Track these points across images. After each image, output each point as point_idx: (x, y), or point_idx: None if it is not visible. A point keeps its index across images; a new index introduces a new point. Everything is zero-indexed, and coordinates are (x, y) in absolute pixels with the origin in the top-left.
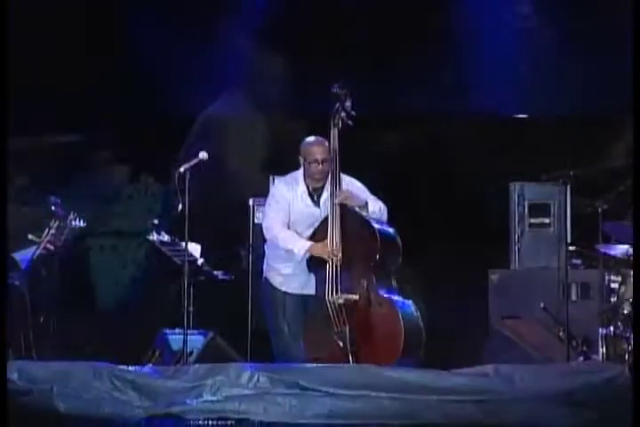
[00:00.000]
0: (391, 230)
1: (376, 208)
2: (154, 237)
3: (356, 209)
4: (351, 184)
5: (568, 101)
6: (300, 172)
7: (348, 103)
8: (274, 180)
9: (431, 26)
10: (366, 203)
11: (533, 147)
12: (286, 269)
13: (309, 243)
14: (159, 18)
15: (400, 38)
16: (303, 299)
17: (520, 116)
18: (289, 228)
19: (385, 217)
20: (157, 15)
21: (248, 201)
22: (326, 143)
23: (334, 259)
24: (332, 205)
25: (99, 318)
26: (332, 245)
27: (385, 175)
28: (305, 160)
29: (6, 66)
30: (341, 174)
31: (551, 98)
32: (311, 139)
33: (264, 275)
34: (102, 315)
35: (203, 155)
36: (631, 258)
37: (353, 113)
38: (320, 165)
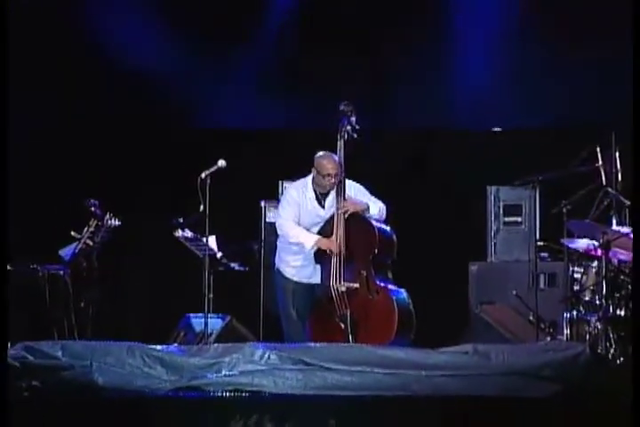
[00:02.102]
0: (388, 228)
1: (376, 210)
2: (179, 233)
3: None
4: (353, 187)
5: (537, 117)
6: (310, 178)
7: (352, 118)
8: (283, 185)
9: (418, 49)
10: (368, 207)
11: (507, 156)
12: (296, 262)
13: (317, 237)
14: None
15: (394, 61)
16: (310, 287)
17: (496, 129)
18: (298, 225)
19: (384, 215)
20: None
21: (260, 203)
22: (336, 158)
23: (337, 252)
24: (339, 202)
25: (132, 303)
26: (336, 241)
27: (381, 180)
28: (317, 173)
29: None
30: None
31: (522, 114)
32: (324, 154)
33: (276, 266)
34: (134, 301)
35: (221, 163)
36: (592, 251)
37: (357, 127)
38: (332, 179)
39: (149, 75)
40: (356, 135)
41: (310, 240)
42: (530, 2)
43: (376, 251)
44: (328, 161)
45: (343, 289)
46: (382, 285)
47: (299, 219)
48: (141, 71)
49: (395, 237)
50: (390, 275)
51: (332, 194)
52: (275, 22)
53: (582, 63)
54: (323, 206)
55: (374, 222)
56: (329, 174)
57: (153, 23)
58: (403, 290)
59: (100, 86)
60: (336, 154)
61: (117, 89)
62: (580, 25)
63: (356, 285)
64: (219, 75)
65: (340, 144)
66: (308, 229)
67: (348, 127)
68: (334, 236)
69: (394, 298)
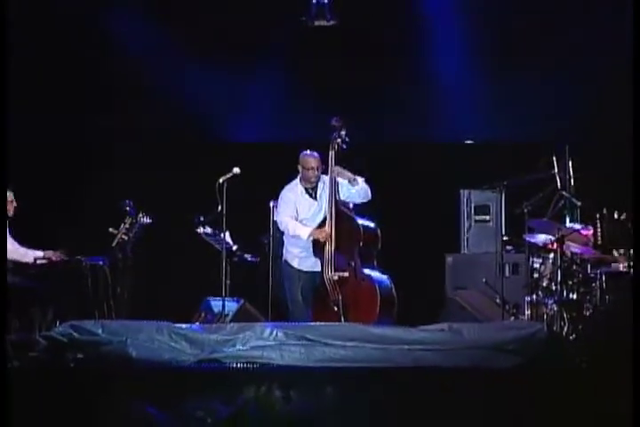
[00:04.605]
0: (372, 225)
1: (362, 179)
2: (200, 229)
3: (347, 182)
4: (340, 184)
5: (504, 131)
6: (298, 178)
7: (342, 132)
8: None
9: (400, 73)
10: (355, 178)
11: (477, 164)
12: (300, 253)
13: (310, 228)
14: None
15: (379, 83)
16: (312, 275)
17: (468, 142)
18: (296, 220)
19: (369, 194)
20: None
21: (269, 203)
22: (317, 155)
23: (329, 243)
24: (330, 205)
25: (160, 288)
26: (329, 230)
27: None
28: (303, 168)
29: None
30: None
31: (491, 129)
32: (307, 152)
33: (284, 258)
34: (162, 286)
35: (236, 170)
36: (549, 245)
37: (347, 139)
38: (315, 171)
39: (179, 96)
40: (345, 146)
41: (305, 231)
42: (500, 29)
43: (361, 244)
44: (310, 157)
45: (335, 278)
46: (368, 273)
47: (297, 214)
48: (173, 94)
49: (379, 231)
50: (375, 264)
51: (320, 186)
52: (282, 44)
53: (543, 86)
54: (315, 198)
55: (360, 221)
56: (312, 168)
57: (174, 47)
58: (386, 277)
59: (135, 106)
60: (328, 162)
61: (153, 109)
62: (542, 52)
63: (346, 274)
64: (235, 97)
65: (332, 154)
66: (307, 224)
67: (338, 140)
68: (327, 226)
69: (377, 285)
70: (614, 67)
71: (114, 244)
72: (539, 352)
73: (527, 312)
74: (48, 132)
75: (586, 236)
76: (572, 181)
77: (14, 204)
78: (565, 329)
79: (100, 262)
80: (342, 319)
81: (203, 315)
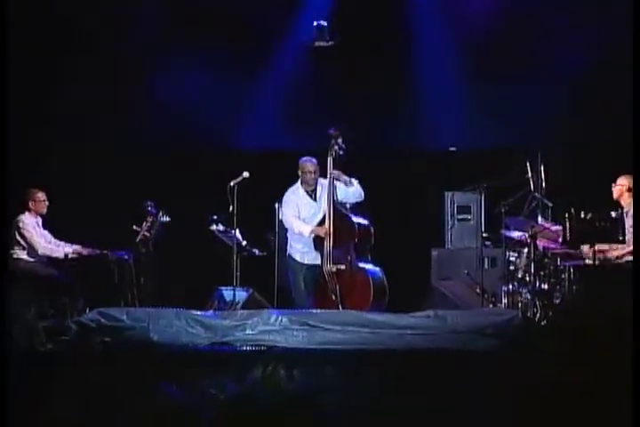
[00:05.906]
0: (366, 222)
1: (356, 181)
2: (214, 227)
3: (343, 184)
4: (338, 187)
5: (483, 139)
6: (299, 181)
7: (339, 140)
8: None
9: (390, 85)
10: (351, 180)
11: (460, 168)
12: (303, 249)
13: (311, 226)
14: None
15: (371, 94)
16: (313, 268)
17: (452, 148)
18: (299, 218)
19: (362, 194)
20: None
21: (275, 204)
22: (314, 160)
23: (328, 239)
24: (329, 206)
25: (178, 279)
26: (328, 228)
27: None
28: (302, 172)
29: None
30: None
31: (472, 137)
32: (305, 158)
33: (288, 252)
34: (180, 277)
35: (246, 174)
36: (523, 240)
37: (343, 146)
38: (312, 175)
39: (192, 106)
40: (342, 153)
41: (307, 229)
42: (481, 42)
43: (356, 240)
44: (307, 162)
45: (333, 270)
46: (362, 265)
47: (299, 213)
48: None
49: (372, 228)
50: (369, 257)
51: (319, 188)
52: (285, 58)
53: (519, 98)
54: (314, 199)
55: (354, 219)
56: (309, 171)
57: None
58: (379, 269)
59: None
60: (327, 168)
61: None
62: (521, 64)
63: (343, 266)
64: (245, 106)
65: (330, 160)
66: (308, 222)
67: (336, 147)
68: (326, 224)
69: (370, 276)
70: (588, 74)
71: (137, 240)
72: (514, 336)
73: (504, 301)
74: (71, 135)
75: (556, 232)
76: (544, 183)
77: (46, 203)
78: (538, 316)
79: (125, 256)
80: (340, 307)
81: (216, 303)
